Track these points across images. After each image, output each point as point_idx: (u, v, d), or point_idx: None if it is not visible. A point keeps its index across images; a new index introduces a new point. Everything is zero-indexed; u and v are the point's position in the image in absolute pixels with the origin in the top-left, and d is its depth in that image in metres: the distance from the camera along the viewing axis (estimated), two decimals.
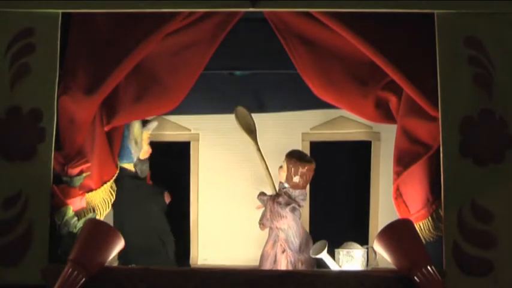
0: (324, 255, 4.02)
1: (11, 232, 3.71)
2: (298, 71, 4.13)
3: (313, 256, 4.06)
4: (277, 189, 4.26)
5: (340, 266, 4.04)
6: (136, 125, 4.34)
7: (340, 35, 3.98)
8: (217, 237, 4.50)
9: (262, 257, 4.18)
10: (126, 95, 4.14)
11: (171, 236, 4.35)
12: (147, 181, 4.43)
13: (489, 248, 3.70)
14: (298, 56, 4.10)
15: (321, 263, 4.10)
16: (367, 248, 4.12)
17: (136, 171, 4.36)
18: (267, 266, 4.14)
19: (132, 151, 4.34)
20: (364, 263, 4.08)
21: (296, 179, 4.17)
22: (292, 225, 4.14)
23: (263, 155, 4.30)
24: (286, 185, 4.20)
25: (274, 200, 4.19)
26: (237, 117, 4.30)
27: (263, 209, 4.25)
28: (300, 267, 4.10)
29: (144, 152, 4.37)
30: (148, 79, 4.13)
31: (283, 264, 4.10)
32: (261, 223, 4.23)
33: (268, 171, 4.27)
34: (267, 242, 4.20)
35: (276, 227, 4.16)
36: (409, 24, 4.00)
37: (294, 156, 4.19)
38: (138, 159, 4.36)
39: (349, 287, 3.61)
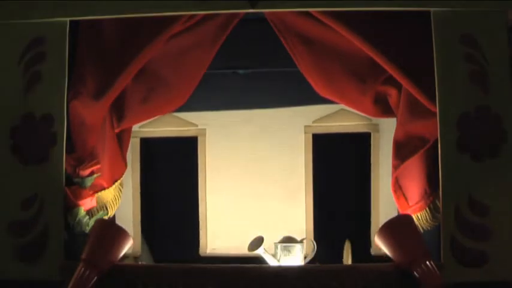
0: (261, 251, 4.15)
1: (29, 232, 3.88)
2: (300, 69, 4.22)
3: (250, 252, 4.18)
4: None
5: (278, 261, 4.15)
6: None
7: (340, 33, 4.04)
8: (225, 228, 4.67)
9: None
10: (133, 97, 4.26)
11: None
12: None
13: (484, 240, 3.82)
14: (299, 55, 4.18)
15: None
16: (303, 241, 4.21)
17: None
18: None
19: None
20: (302, 257, 4.19)
21: None
22: None
23: None
24: None
25: None
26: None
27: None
28: None
29: None
30: (154, 81, 4.24)
31: None
32: None
33: None
34: None
35: None
36: (408, 21, 4.06)
37: None
38: None
39: (351, 280, 3.71)
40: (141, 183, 4.74)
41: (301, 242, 4.23)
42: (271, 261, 4.17)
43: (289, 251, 4.16)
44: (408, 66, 4.00)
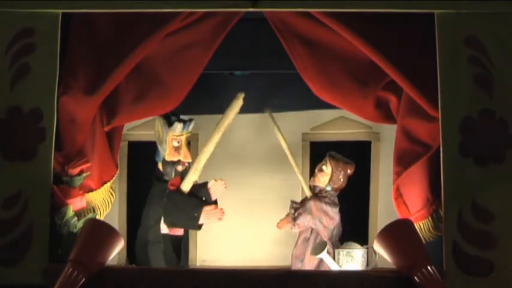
0: (324, 255, 4.03)
1: (11, 232, 3.69)
2: (298, 71, 4.11)
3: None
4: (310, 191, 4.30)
5: (340, 266, 4.03)
6: (157, 123, 4.23)
7: (340, 35, 3.97)
8: (216, 238, 4.48)
9: (303, 263, 4.18)
10: (126, 95, 4.12)
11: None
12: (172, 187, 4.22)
13: (489, 248, 3.70)
14: (298, 56, 4.08)
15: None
16: (367, 248, 4.12)
17: (162, 172, 4.26)
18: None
19: (160, 149, 4.27)
20: (364, 263, 4.08)
21: (342, 181, 4.26)
22: (338, 225, 4.23)
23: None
24: (329, 187, 4.25)
25: (321, 201, 4.22)
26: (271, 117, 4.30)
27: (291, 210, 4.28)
28: None
29: (169, 154, 4.23)
30: (148, 79, 4.11)
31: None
32: (297, 223, 4.23)
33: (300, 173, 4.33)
34: (305, 247, 4.21)
35: (324, 226, 4.19)
36: (409, 24, 3.99)
37: (340, 160, 4.27)
38: (165, 159, 4.24)
39: (350, 287, 3.60)
40: (128, 189, 4.54)
41: (363, 248, 4.10)
42: (333, 266, 4.05)
43: (351, 256, 4.05)
44: (409, 69, 3.93)
